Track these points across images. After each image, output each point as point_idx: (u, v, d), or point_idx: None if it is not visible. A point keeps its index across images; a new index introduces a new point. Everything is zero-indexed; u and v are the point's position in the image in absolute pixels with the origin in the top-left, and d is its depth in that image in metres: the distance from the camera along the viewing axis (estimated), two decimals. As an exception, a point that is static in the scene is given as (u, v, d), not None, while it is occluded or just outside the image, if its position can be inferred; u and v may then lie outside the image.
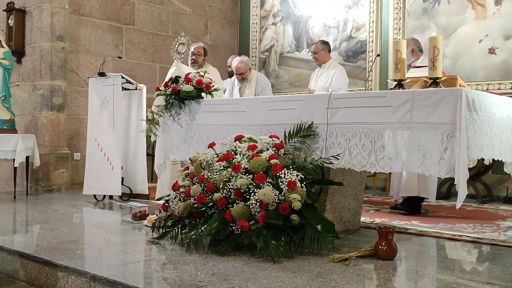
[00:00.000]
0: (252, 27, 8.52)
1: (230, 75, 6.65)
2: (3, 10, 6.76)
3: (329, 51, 6.17)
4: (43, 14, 6.45)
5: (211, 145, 3.65)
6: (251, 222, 3.11)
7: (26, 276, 3.10)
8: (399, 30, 6.90)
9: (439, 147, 3.04)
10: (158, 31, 7.78)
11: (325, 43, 6.22)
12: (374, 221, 4.33)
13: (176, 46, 5.44)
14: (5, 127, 5.75)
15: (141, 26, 7.58)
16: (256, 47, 8.43)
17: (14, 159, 5.59)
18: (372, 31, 7.14)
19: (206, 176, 3.40)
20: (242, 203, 3.16)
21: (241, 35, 8.74)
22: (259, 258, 2.95)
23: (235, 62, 6.18)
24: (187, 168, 3.68)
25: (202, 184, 3.38)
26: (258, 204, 3.09)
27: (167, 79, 4.78)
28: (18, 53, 6.58)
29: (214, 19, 8.49)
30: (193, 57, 5.83)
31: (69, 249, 3.25)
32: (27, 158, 5.76)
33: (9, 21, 6.61)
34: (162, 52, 7.75)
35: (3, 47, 5.85)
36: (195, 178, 3.48)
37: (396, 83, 3.53)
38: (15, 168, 5.71)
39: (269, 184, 3.15)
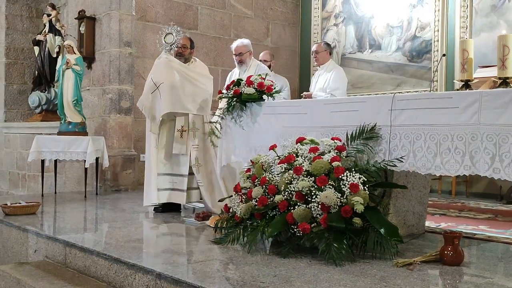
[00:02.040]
0: (313, 28, 8.49)
1: None
2: (75, 18, 7.09)
3: (331, 54, 6.27)
4: (111, 21, 6.71)
5: (273, 147, 3.67)
6: (312, 225, 3.11)
7: (96, 272, 3.24)
8: (466, 28, 6.67)
9: (510, 149, 2.91)
10: (220, 35, 7.91)
11: (328, 45, 6.31)
12: (439, 226, 4.21)
13: (164, 36, 4.87)
14: (76, 130, 6.02)
15: (204, 30, 7.73)
16: (318, 48, 8.38)
17: (85, 160, 5.83)
18: (438, 30, 6.94)
19: (267, 178, 3.42)
20: (304, 205, 3.16)
21: (303, 37, 8.73)
22: (320, 261, 2.94)
23: (234, 43, 5.88)
24: (249, 170, 3.72)
25: (264, 186, 3.41)
26: (319, 206, 3.08)
27: (155, 71, 4.79)
28: (89, 59, 6.86)
29: (275, 22, 8.53)
30: (178, 50, 5.01)
31: (136, 248, 3.38)
32: (97, 159, 6.00)
33: (80, 29, 6.92)
34: (224, 56, 7.87)
35: (75, 53, 6.12)
36: (256, 180, 3.52)
37: (463, 83, 3.42)
38: (85, 169, 5.96)
39: (331, 187, 3.13)
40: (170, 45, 4.79)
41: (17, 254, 4.14)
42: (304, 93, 6.27)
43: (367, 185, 3.13)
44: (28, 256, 3.99)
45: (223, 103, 4.84)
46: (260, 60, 6.42)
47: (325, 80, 6.03)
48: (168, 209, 4.88)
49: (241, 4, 8.12)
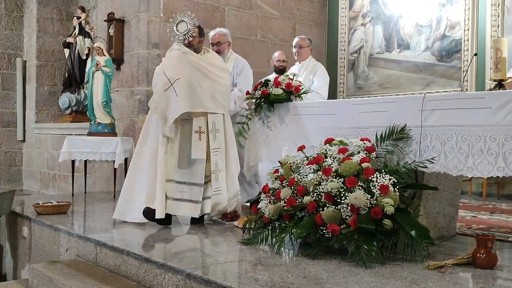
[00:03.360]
0: (340, 28, 8.44)
1: (276, 69, 6.40)
2: (104, 21, 7.19)
3: (311, 50, 6.13)
4: (140, 23, 6.78)
5: (301, 148, 3.66)
6: (342, 226, 3.09)
7: (126, 271, 3.27)
8: (498, 27, 6.54)
9: (545, 151, 2.85)
10: (247, 35, 7.91)
11: (311, 41, 6.17)
12: (471, 228, 4.13)
13: (175, 24, 4.25)
14: (106, 131, 6.11)
15: (231, 31, 7.69)
16: (345, 48, 8.34)
17: (114, 161, 5.91)
18: (468, 29, 6.82)
19: (296, 179, 3.42)
20: (333, 206, 3.14)
21: (329, 37, 8.68)
22: (350, 263, 2.92)
23: (212, 31, 5.50)
24: (277, 171, 3.72)
25: (292, 187, 3.41)
26: (349, 208, 3.06)
27: (166, 65, 4.16)
28: (118, 60, 6.95)
29: (302, 22, 8.50)
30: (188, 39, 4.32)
31: (166, 247, 3.41)
32: (125, 159, 6.07)
33: (109, 31, 7.01)
34: (251, 57, 7.84)
35: (105, 55, 6.21)
36: (285, 181, 3.51)
37: (496, 83, 3.36)
38: (115, 169, 6.04)
39: (361, 188, 3.11)
40: (184, 35, 4.20)
41: (49, 253, 4.21)
42: None
43: (397, 187, 3.09)
44: (59, 255, 4.06)
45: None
46: (278, 60, 6.37)
47: (307, 77, 5.77)
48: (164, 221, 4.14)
49: (268, 5, 8.12)
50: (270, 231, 3.42)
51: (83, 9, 8.32)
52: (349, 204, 3.05)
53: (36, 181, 9.30)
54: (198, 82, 4.10)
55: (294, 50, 6.02)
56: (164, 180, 4.09)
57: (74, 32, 8.35)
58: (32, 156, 9.44)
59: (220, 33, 5.42)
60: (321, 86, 5.79)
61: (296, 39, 6.11)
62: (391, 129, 3.43)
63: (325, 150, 3.47)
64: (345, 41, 8.34)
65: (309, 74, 5.85)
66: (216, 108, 4.22)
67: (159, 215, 4.01)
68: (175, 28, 4.23)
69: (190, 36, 4.20)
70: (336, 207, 3.12)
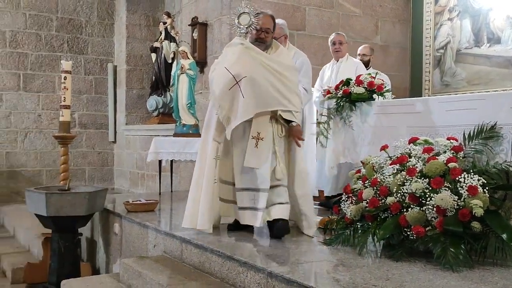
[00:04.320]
0: (425, 24, 8.15)
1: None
2: (189, 25, 7.42)
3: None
4: (222, 26, 6.93)
5: (384, 148, 3.59)
6: (427, 228, 2.99)
7: (210, 268, 3.36)
8: None
9: None
10: (328, 34, 7.77)
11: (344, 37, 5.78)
12: None
13: (237, 17, 3.82)
14: (190, 132, 6.29)
15: (312, 30, 7.72)
16: (430, 44, 8.05)
17: (198, 161, 6.07)
18: None
19: (378, 180, 3.35)
20: (418, 208, 3.05)
21: (414, 33, 8.41)
22: (436, 266, 2.82)
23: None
24: (359, 171, 3.67)
25: (375, 188, 3.35)
26: (435, 209, 2.96)
27: (229, 61, 3.72)
28: (201, 63, 7.14)
29: (384, 19, 8.31)
30: (259, 34, 3.83)
31: (248, 246, 3.46)
32: (209, 159, 6.22)
33: (193, 35, 7.23)
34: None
35: (189, 58, 6.40)
36: (367, 181, 3.46)
37: None
38: (199, 169, 6.21)
39: (447, 189, 3.00)
40: (246, 28, 3.78)
41: (138, 249, 4.41)
42: (321, 89, 5.37)
43: (487, 188, 2.95)
44: (148, 251, 4.24)
45: (327, 103, 4.75)
46: (359, 55, 6.22)
47: (348, 72, 5.25)
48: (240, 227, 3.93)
49: (349, 3, 8.01)
50: (352, 232, 3.38)
51: (168, 15, 8.65)
52: (435, 206, 2.95)
53: (126, 180, 9.78)
54: (264, 81, 3.66)
55: (332, 47, 5.65)
56: (211, 187, 3.77)
57: (160, 37, 8.69)
58: (122, 156, 9.93)
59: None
60: None
61: (334, 35, 5.74)
62: (480, 127, 3.29)
63: (409, 149, 3.38)
64: (430, 37, 8.05)
65: (350, 71, 5.34)
66: (284, 108, 3.74)
67: (202, 226, 3.73)
68: (236, 20, 3.83)
69: (254, 29, 3.77)
70: (421, 209, 3.03)
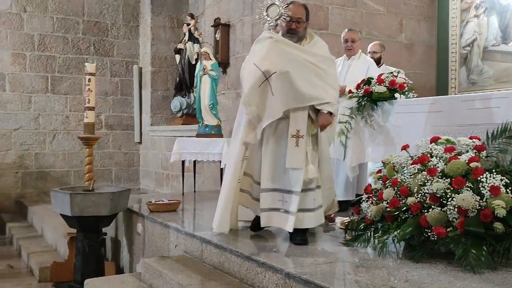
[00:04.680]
0: (451, 21, 8.01)
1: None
2: (211, 26, 7.45)
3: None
4: (244, 27, 6.94)
5: (405, 147, 3.53)
6: (448, 229, 2.94)
7: (230, 269, 3.37)
8: None
9: None
10: (352, 33, 7.78)
11: (361, 33, 5.56)
12: None
13: (266, 8, 3.57)
14: (213, 132, 6.32)
15: (335, 30, 7.66)
16: (456, 42, 7.91)
17: (220, 161, 6.10)
18: None
19: (399, 180, 3.31)
20: (439, 208, 3.00)
21: (439, 31, 8.27)
22: (457, 267, 2.77)
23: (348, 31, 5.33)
24: (380, 171, 3.62)
25: (395, 188, 3.30)
26: (456, 210, 2.90)
27: (258, 57, 3.53)
28: (224, 64, 7.16)
29: (409, 17, 8.19)
30: (289, 25, 3.55)
31: (267, 247, 3.45)
32: (231, 160, 6.23)
33: (216, 36, 7.25)
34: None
35: (211, 59, 6.43)
36: (387, 181, 3.41)
37: None
38: (221, 169, 6.22)
39: (469, 189, 2.93)
40: (275, 20, 3.53)
41: (160, 248, 4.45)
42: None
43: (510, 188, 2.88)
44: (169, 251, 4.28)
45: (348, 102, 4.70)
46: (369, 52, 6.04)
47: (359, 70, 5.16)
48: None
49: (373, 1, 7.92)
50: (372, 233, 3.35)
51: (192, 16, 8.70)
52: (456, 206, 2.89)
53: (151, 180, 9.88)
54: (297, 75, 3.41)
55: (344, 44, 5.42)
56: (235, 189, 3.65)
57: (184, 39, 8.75)
58: (147, 157, 10.04)
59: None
60: None
61: (346, 32, 5.46)
62: (504, 126, 3.21)
63: (431, 149, 3.32)
64: (456, 34, 7.91)
65: (361, 67, 5.23)
66: (318, 102, 3.49)
67: (220, 228, 3.67)
68: (265, 13, 3.58)
69: (284, 20, 3.51)
70: (442, 209, 2.98)
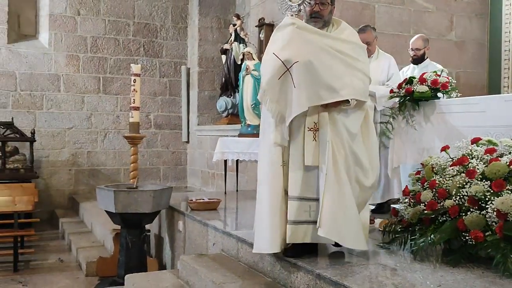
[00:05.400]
0: (505, 18, 7.70)
1: (411, 60, 5.72)
2: (255, 26, 7.48)
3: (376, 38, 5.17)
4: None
5: (444, 148, 3.44)
6: (486, 233, 2.84)
7: (263, 268, 3.38)
8: None
9: None
10: (399, 32, 7.62)
11: (375, 29, 5.20)
12: None
13: None
14: (255, 132, 6.32)
15: (382, 28, 7.52)
16: (510, 40, 7.60)
17: (263, 161, 6.11)
18: None
19: (437, 181, 3.22)
20: (477, 211, 2.90)
21: (492, 28, 7.98)
22: (495, 273, 2.68)
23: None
24: (419, 172, 3.54)
25: (433, 190, 3.22)
26: (495, 213, 2.80)
27: (278, 46, 3.08)
28: (268, 64, 7.17)
29: (460, 14, 7.95)
30: (313, 8, 3.15)
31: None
32: (273, 160, 6.24)
33: (260, 36, 7.28)
34: (403, 54, 7.54)
35: (254, 59, 6.46)
36: (426, 183, 3.33)
37: None
38: (263, 169, 6.25)
39: (510, 192, 2.83)
40: (298, 5, 3.19)
41: (199, 246, 4.52)
42: None
43: (553, 192, 2.75)
44: (208, 248, 4.33)
45: (389, 102, 4.60)
46: (411, 49, 5.68)
47: (380, 70, 4.97)
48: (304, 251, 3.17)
49: (422, -1, 7.75)
50: (409, 235, 3.28)
51: (238, 17, 8.76)
52: (495, 210, 2.79)
53: (198, 178, 10.03)
54: (322, 65, 3.01)
55: None
56: (279, 201, 3.07)
57: (230, 39, 8.82)
58: (194, 156, 10.20)
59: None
60: (399, 79, 4.89)
61: (358, 34, 4.91)
62: (550, 127, 3.08)
63: (471, 150, 3.22)
64: (509, 31, 7.59)
65: (380, 65, 5.04)
66: (343, 98, 3.04)
67: (270, 248, 3.07)
68: None
69: (308, 4, 3.15)
70: (481, 212, 2.88)
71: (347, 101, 3.05)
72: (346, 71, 3.07)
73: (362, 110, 3.20)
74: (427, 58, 5.60)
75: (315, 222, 3.01)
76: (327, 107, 3.06)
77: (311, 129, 3.06)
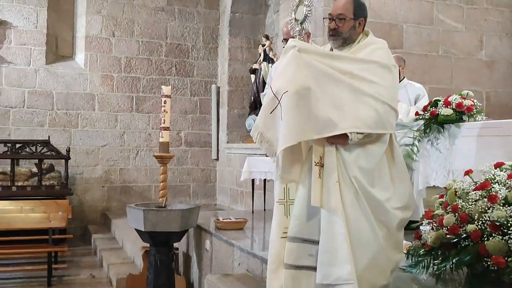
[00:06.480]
0: (536, 37, 7.65)
1: None
2: (283, 47, 7.59)
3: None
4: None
5: (468, 172, 3.44)
6: (509, 259, 2.84)
7: None
8: None
9: None
10: (427, 51, 7.63)
11: (404, 61, 5.55)
12: None
13: (294, 10, 2.86)
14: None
15: (410, 48, 7.55)
16: (542, 59, 7.53)
17: (289, 181, 6.18)
18: None
19: (459, 206, 3.23)
20: (500, 237, 2.90)
21: (523, 47, 7.92)
22: (517, 299, 2.67)
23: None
24: (442, 196, 3.55)
25: (456, 214, 3.23)
26: (517, 239, 2.80)
27: (276, 74, 2.77)
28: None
29: (490, 33, 7.90)
30: (331, 24, 2.84)
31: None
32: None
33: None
34: (431, 73, 7.56)
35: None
36: (448, 207, 3.34)
37: None
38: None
39: (532, 218, 2.82)
40: (300, 24, 2.82)
41: (225, 266, 4.60)
42: None
43: None
44: (233, 268, 4.41)
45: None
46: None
47: (409, 100, 5.34)
48: None
49: (451, 18, 7.73)
50: (431, 259, 3.28)
51: (267, 37, 8.92)
52: (517, 236, 2.79)
53: (227, 196, 10.14)
54: (320, 93, 2.60)
55: None
56: (278, 243, 2.83)
57: (259, 59, 8.97)
58: (223, 173, 10.32)
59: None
60: (426, 99, 5.18)
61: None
62: None
63: (493, 175, 3.22)
64: (541, 50, 7.53)
65: (407, 101, 5.31)
66: (342, 131, 2.62)
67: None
68: (293, 15, 2.86)
69: (326, 19, 2.83)
70: (503, 238, 2.88)
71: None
72: (350, 98, 2.63)
73: (382, 142, 2.78)
74: (404, 78, 5.56)
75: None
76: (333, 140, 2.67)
77: (317, 164, 2.66)
